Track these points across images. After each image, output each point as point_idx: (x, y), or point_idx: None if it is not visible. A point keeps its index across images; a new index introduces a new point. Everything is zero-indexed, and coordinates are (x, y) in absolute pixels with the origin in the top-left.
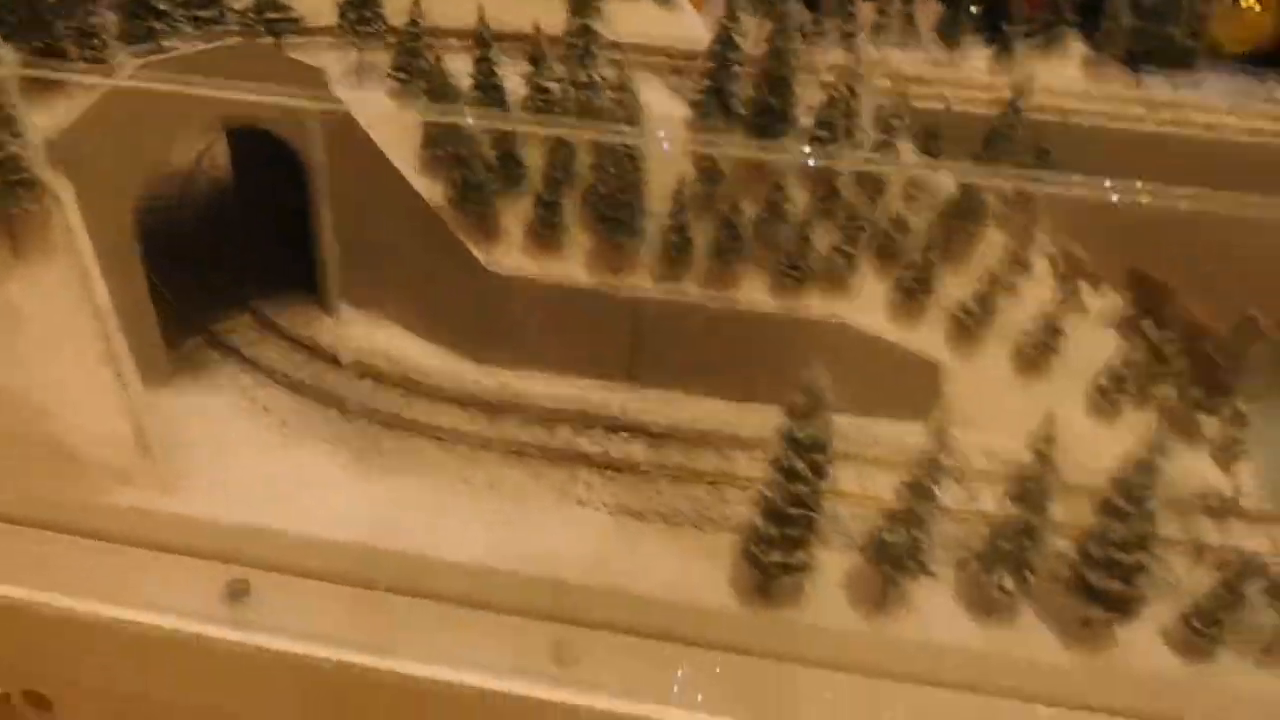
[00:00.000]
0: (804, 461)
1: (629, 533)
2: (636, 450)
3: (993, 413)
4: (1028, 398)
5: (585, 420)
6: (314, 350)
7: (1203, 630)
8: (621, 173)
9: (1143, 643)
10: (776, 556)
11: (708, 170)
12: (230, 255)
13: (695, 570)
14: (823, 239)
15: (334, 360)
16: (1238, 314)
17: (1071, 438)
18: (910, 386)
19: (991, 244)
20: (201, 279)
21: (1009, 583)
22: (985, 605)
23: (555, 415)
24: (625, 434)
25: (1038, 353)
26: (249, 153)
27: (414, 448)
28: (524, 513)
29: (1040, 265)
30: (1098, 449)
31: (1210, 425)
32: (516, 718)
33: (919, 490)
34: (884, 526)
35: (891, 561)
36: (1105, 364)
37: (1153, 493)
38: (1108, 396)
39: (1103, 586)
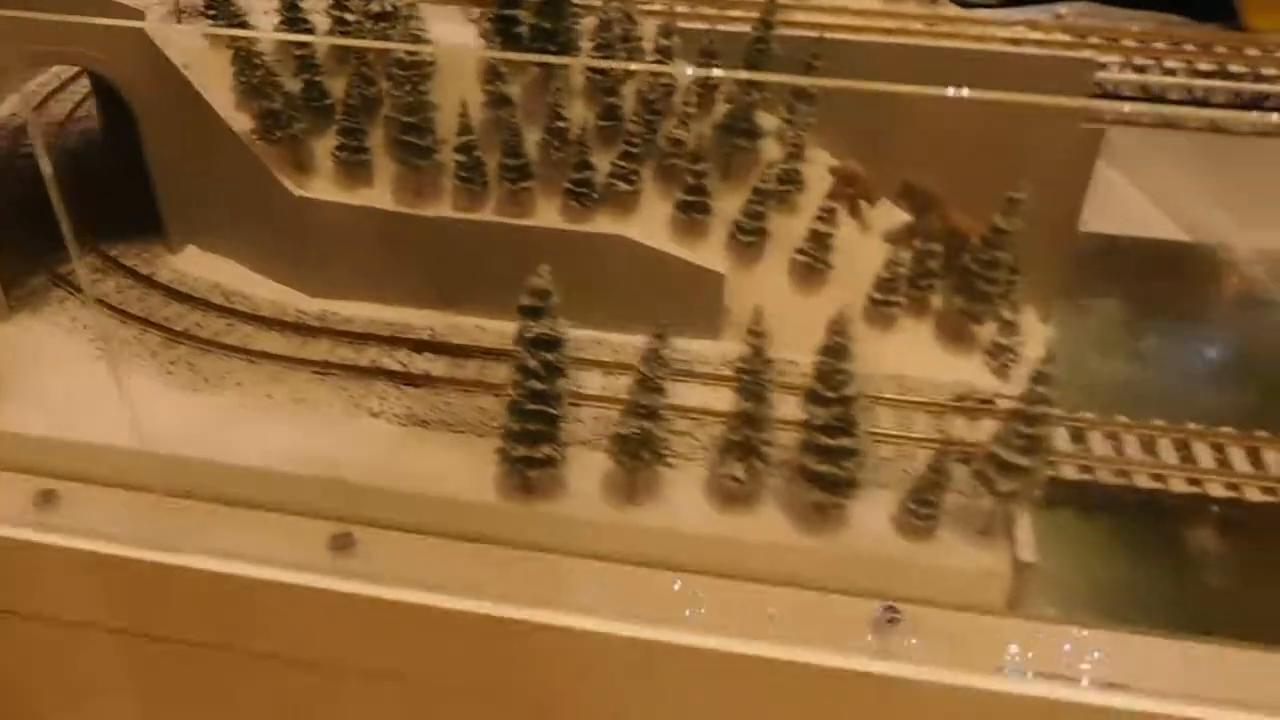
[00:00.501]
0: (537, 360)
1: (416, 439)
2: (435, 366)
3: (773, 324)
4: (805, 308)
5: (392, 341)
6: (152, 285)
7: (919, 512)
8: (413, 98)
9: (870, 525)
10: (522, 451)
11: (495, 96)
12: (87, 199)
13: (470, 470)
14: (606, 160)
15: (170, 294)
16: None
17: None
18: (695, 300)
19: (769, 160)
20: (53, 222)
21: (738, 471)
22: (728, 495)
23: (365, 337)
24: (429, 353)
25: (815, 265)
26: (106, 98)
27: (227, 368)
28: (320, 423)
29: (818, 180)
30: (873, 356)
31: (987, 331)
32: (295, 605)
33: (647, 385)
34: (618, 421)
35: (627, 453)
36: (875, 275)
37: (850, 377)
38: (880, 307)
39: (816, 470)
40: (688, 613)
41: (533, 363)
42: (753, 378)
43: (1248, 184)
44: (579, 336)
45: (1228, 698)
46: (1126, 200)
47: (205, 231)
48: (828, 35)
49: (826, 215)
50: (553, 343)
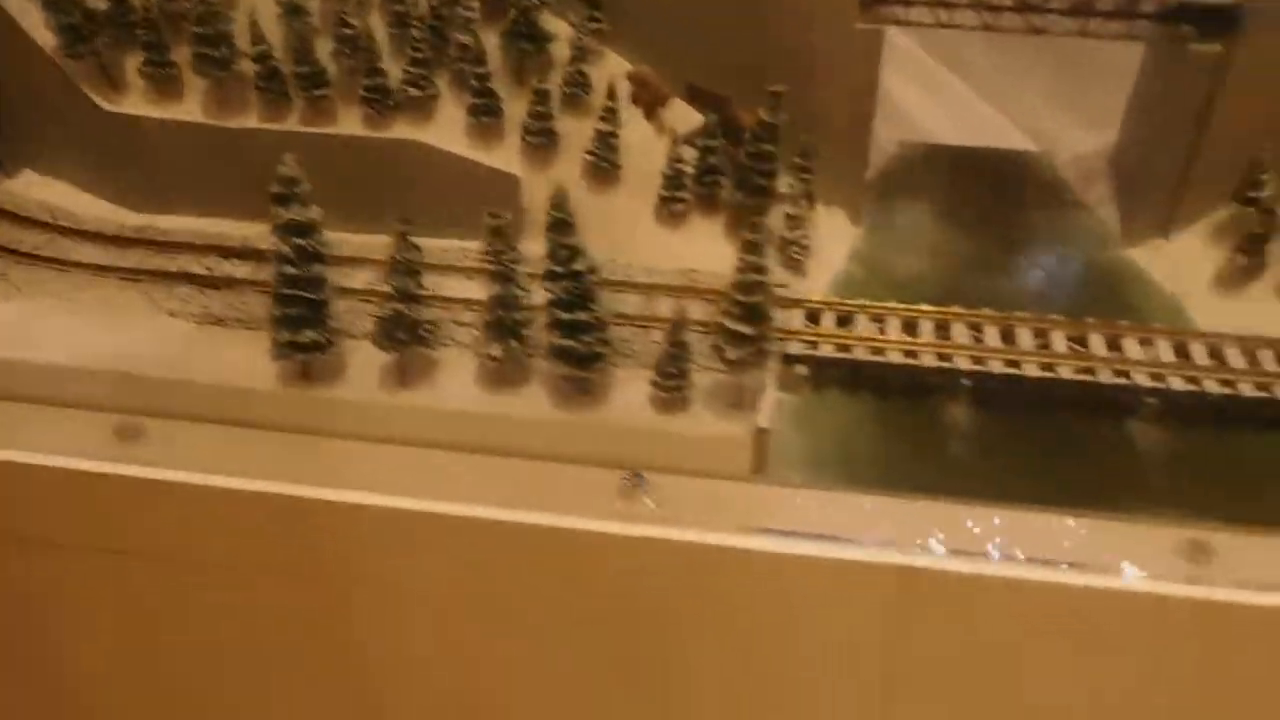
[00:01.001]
0: (290, 246)
1: (210, 336)
2: (238, 270)
3: None
4: (599, 208)
5: (202, 249)
6: None
7: (666, 385)
8: (204, 8)
9: (628, 400)
10: (286, 336)
11: (289, 4)
12: None
13: (258, 362)
14: (399, 68)
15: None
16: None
17: (639, 241)
18: (493, 202)
19: (560, 64)
20: None
21: (496, 350)
22: (492, 376)
23: (177, 246)
24: (235, 259)
25: (603, 166)
26: None
27: (40, 278)
28: (120, 324)
29: (611, 83)
30: (666, 251)
31: (776, 224)
32: (80, 491)
33: (398, 269)
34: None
35: (384, 335)
36: (662, 173)
37: (576, 252)
38: (669, 204)
39: (560, 345)
40: (454, 486)
41: (286, 249)
42: (500, 262)
43: (1068, 90)
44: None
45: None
46: (959, 109)
47: (37, 155)
48: None
49: (608, 116)
50: (304, 228)
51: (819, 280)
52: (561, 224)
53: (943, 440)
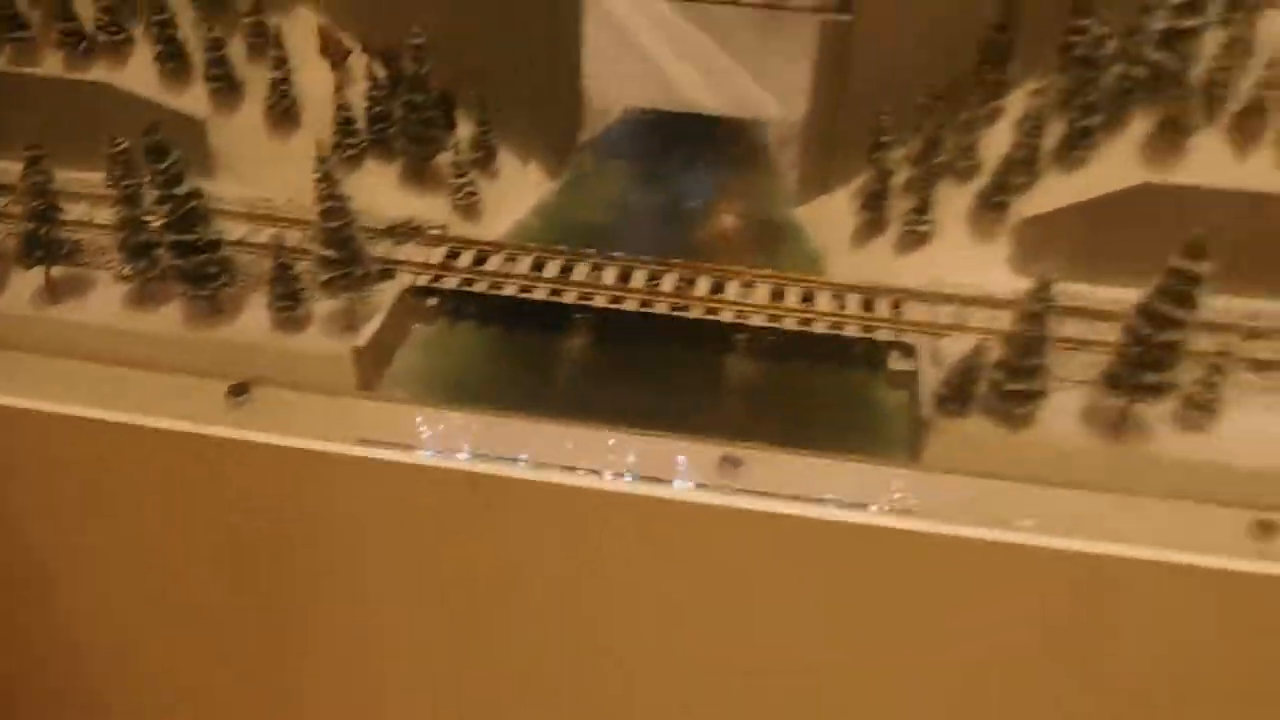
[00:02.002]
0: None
1: None
2: None
3: (251, 165)
4: (281, 151)
5: None
6: None
7: (280, 306)
8: None
9: (253, 320)
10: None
11: None
12: None
13: None
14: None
15: None
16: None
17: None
18: (183, 144)
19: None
20: None
21: (127, 270)
22: (138, 295)
23: None
24: None
25: (285, 110)
26: None
27: None
28: None
29: (301, 36)
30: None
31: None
32: None
33: (29, 192)
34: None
35: (22, 253)
36: (334, 120)
37: (174, 177)
38: (344, 149)
39: (173, 264)
40: (89, 394)
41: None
42: (122, 187)
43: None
44: (84, 179)
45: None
46: (685, 75)
47: None
48: None
49: (280, 64)
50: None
51: (493, 227)
52: (157, 149)
53: (546, 367)
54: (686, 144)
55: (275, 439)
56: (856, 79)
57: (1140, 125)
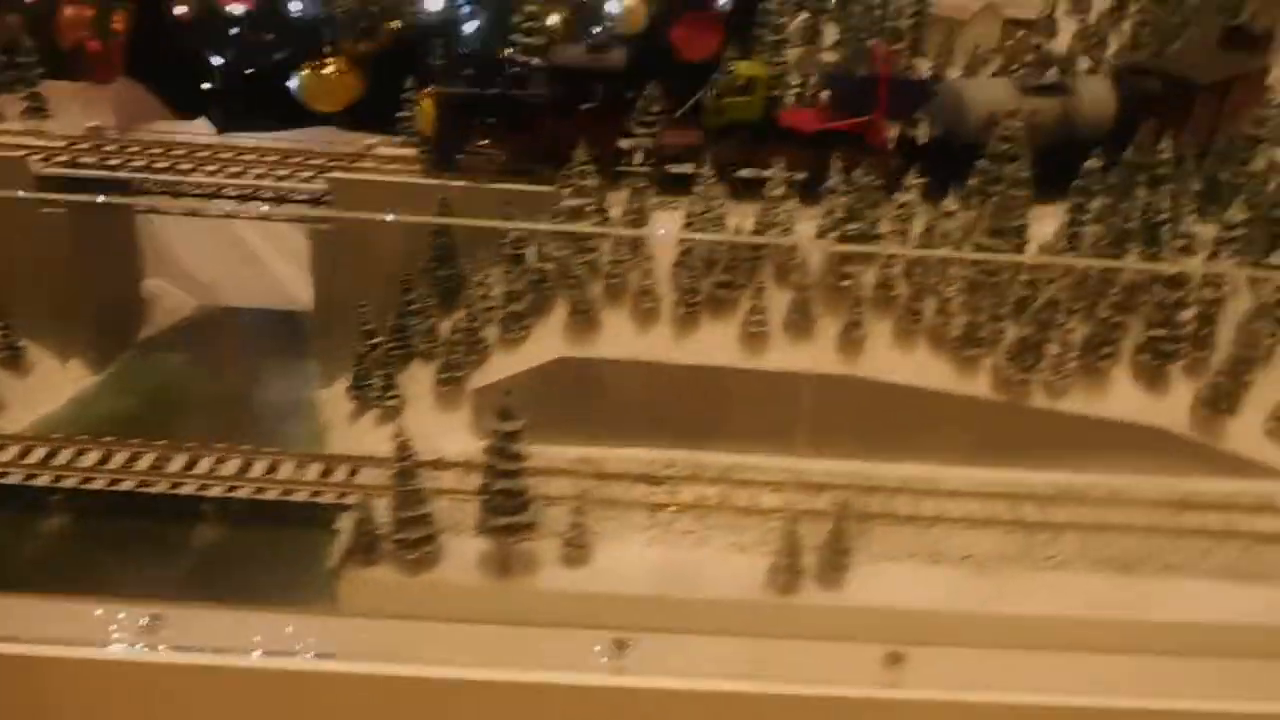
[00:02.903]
0: None
1: None
2: None
3: None
4: None
5: None
6: None
7: None
8: None
9: None
10: None
11: None
12: None
13: None
14: None
15: None
16: None
17: None
18: None
19: None
20: None
21: None
22: None
23: None
24: None
25: None
26: None
27: None
28: None
29: None
30: None
31: None
32: None
33: None
34: None
35: None
36: None
37: None
38: None
39: None
40: None
41: None
42: None
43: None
44: None
45: None
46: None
47: None
48: None
49: None
50: None
51: (20, 419)
52: None
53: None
54: (234, 336)
55: None
56: (346, 276)
57: (560, 311)
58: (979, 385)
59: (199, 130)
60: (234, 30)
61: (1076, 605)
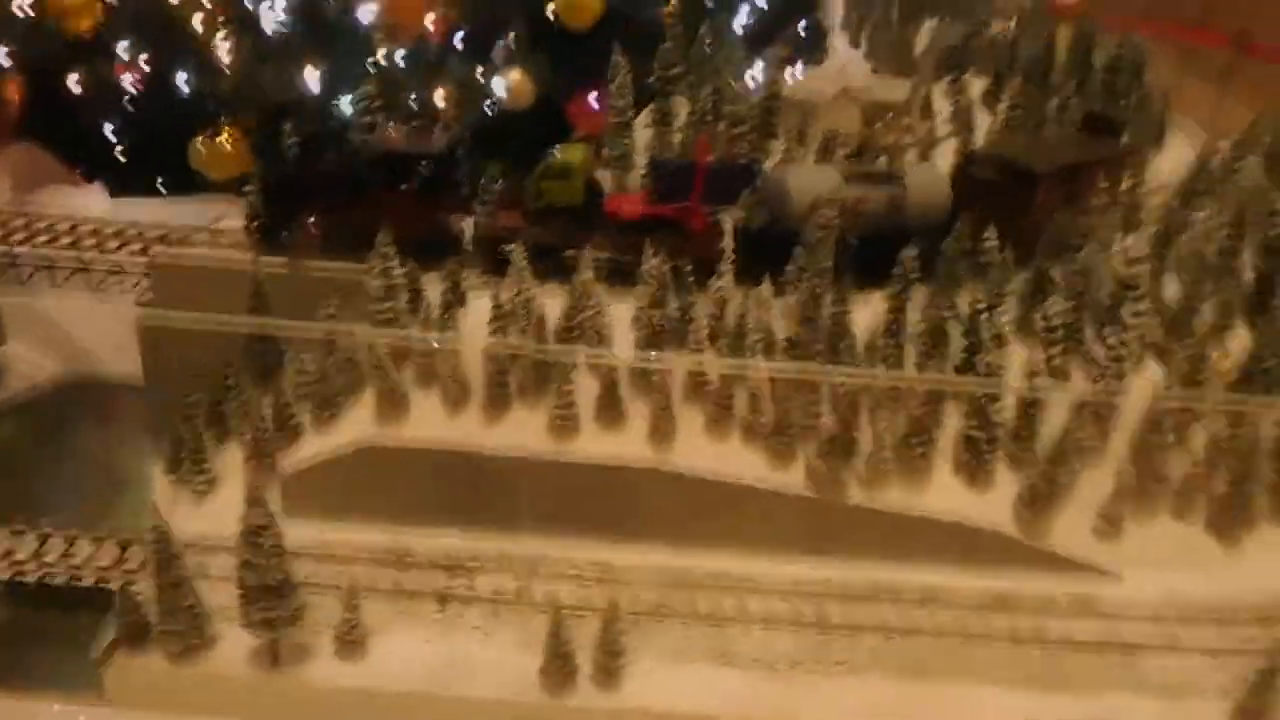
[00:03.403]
0: None
1: None
2: None
3: None
4: None
5: None
6: None
7: None
8: None
9: None
10: None
11: None
12: None
13: None
14: None
15: None
16: None
17: None
18: None
19: None
20: None
21: None
22: None
23: None
24: None
25: None
26: None
27: None
28: None
29: None
30: None
31: None
32: None
33: None
34: None
35: None
36: None
37: None
38: None
39: None
40: None
41: None
42: None
43: None
44: None
45: None
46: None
47: None
48: None
49: None
50: None
51: None
52: None
53: None
54: (81, 407)
55: None
56: (170, 350)
57: (371, 393)
58: (792, 478)
59: (96, 195)
60: (126, 100)
61: (858, 713)
